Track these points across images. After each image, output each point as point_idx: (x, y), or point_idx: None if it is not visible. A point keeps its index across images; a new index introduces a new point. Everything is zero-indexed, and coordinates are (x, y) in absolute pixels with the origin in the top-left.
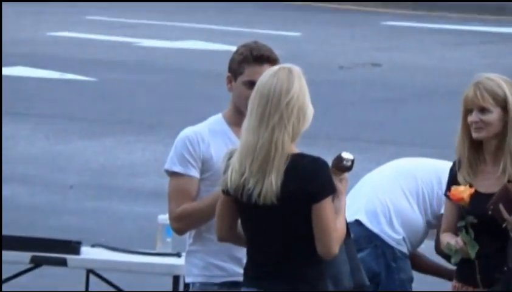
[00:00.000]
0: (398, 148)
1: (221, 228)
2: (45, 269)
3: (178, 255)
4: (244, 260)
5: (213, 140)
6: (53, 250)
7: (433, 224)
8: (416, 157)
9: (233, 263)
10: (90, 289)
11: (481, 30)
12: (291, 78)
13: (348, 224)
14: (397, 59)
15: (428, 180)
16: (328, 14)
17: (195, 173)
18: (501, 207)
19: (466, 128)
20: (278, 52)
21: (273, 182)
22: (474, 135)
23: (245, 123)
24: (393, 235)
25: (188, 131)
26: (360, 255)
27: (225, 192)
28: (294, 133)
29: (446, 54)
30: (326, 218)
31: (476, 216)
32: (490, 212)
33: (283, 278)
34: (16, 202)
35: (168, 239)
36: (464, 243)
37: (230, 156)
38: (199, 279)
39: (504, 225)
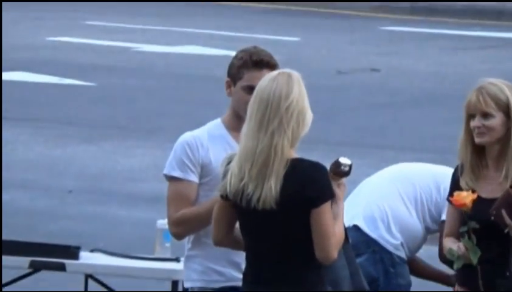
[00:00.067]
0: (397, 153)
1: (218, 233)
2: (44, 274)
3: (177, 260)
4: (243, 265)
5: (212, 145)
6: (52, 255)
7: (432, 230)
8: (414, 163)
9: (232, 267)
10: None
11: (480, 35)
12: (290, 83)
13: (346, 229)
14: (396, 65)
15: (427, 185)
16: (327, 20)
17: (194, 178)
18: (503, 212)
19: (469, 133)
20: (277, 56)
21: (272, 186)
22: (477, 140)
23: (245, 127)
24: (391, 240)
25: (187, 136)
26: (358, 260)
27: (224, 197)
28: (293, 138)
29: (444, 59)
30: (325, 223)
31: (478, 221)
32: (492, 217)
33: (282, 283)
34: (15, 206)
35: (167, 244)
36: (466, 249)
37: (229, 161)
38: (198, 284)
39: (506, 230)
